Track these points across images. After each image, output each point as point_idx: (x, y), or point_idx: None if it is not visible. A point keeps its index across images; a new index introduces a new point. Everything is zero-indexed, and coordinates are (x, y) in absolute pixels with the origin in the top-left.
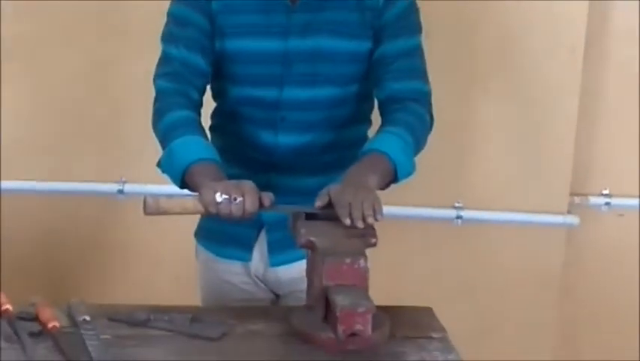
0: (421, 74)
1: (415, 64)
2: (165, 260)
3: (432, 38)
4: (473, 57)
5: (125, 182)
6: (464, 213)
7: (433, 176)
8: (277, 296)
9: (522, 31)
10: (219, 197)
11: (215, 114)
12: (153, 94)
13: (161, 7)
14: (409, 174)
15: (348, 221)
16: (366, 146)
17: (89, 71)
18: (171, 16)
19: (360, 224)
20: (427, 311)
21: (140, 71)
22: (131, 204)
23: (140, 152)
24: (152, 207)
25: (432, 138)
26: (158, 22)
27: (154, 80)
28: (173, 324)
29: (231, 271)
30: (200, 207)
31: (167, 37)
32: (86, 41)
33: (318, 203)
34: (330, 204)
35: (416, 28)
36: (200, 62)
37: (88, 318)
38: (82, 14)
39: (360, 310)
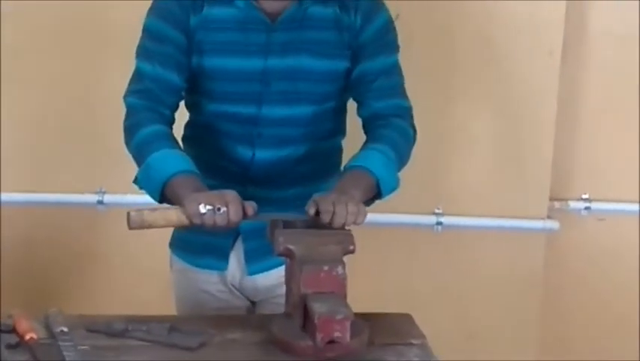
0: (401, 90)
1: (394, 82)
2: (145, 270)
3: (411, 44)
4: (451, 63)
5: (104, 192)
6: (444, 220)
7: (413, 182)
8: (253, 303)
9: (500, 36)
10: (203, 208)
11: (188, 126)
12: (124, 110)
13: (138, 20)
14: (392, 189)
15: (327, 218)
16: (350, 162)
17: (67, 80)
18: (147, 30)
19: (341, 221)
20: (407, 318)
21: (118, 80)
22: (111, 214)
23: (119, 162)
24: (136, 222)
25: None
26: (136, 34)
27: (125, 96)
28: (152, 334)
29: (207, 280)
30: (184, 219)
31: (142, 53)
32: (65, 51)
33: (311, 211)
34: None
35: (394, 46)
36: (174, 79)
37: (65, 329)
38: (58, 28)
39: (339, 317)
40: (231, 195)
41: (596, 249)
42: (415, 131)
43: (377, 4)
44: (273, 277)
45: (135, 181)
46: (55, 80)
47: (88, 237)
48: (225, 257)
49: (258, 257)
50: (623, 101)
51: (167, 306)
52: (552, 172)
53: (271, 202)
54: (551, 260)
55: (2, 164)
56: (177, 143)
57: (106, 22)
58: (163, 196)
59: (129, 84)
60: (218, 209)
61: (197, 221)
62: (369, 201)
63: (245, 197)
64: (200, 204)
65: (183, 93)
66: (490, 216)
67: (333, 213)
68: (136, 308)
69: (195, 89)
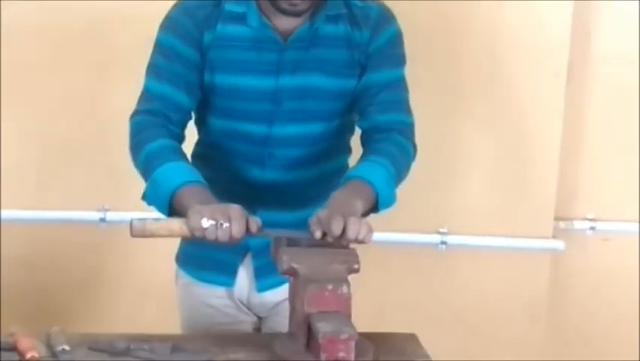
0: (405, 105)
1: (398, 96)
2: (148, 287)
3: (417, 64)
4: (457, 83)
5: (106, 210)
6: (448, 239)
7: (418, 201)
8: (259, 318)
9: (506, 57)
10: (206, 222)
11: (198, 144)
12: (128, 130)
13: (145, 38)
14: (389, 205)
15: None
16: (350, 172)
17: (71, 97)
18: (159, 45)
19: (353, 236)
20: (411, 338)
21: (122, 97)
22: (113, 232)
23: (121, 179)
24: (138, 229)
25: (416, 163)
26: (142, 52)
27: (132, 116)
28: (154, 353)
29: (214, 295)
30: (187, 231)
31: (152, 70)
32: (68, 70)
33: (317, 233)
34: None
35: (400, 60)
36: (183, 99)
37: (67, 348)
38: (63, 44)
39: (343, 337)
40: (236, 210)
41: (600, 269)
42: (415, 148)
43: (386, 17)
44: (282, 293)
45: (143, 198)
46: (58, 97)
47: (90, 254)
48: (234, 273)
49: (268, 274)
50: (628, 122)
51: (171, 323)
52: (557, 192)
53: (279, 224)
54: (556, 280)
55: (4, 181)
56: (185, 156)
57: (110, 40)
58: (173, 211)
59: (137, 103)
60: (221, 224)
61: (198, 235)
62: (364, 214)
63: None
64: (203, 217)
65: (192, 113)
66: (495, 236)
67: (345, 227)
68: (139, 326)
69: (206, 106)
